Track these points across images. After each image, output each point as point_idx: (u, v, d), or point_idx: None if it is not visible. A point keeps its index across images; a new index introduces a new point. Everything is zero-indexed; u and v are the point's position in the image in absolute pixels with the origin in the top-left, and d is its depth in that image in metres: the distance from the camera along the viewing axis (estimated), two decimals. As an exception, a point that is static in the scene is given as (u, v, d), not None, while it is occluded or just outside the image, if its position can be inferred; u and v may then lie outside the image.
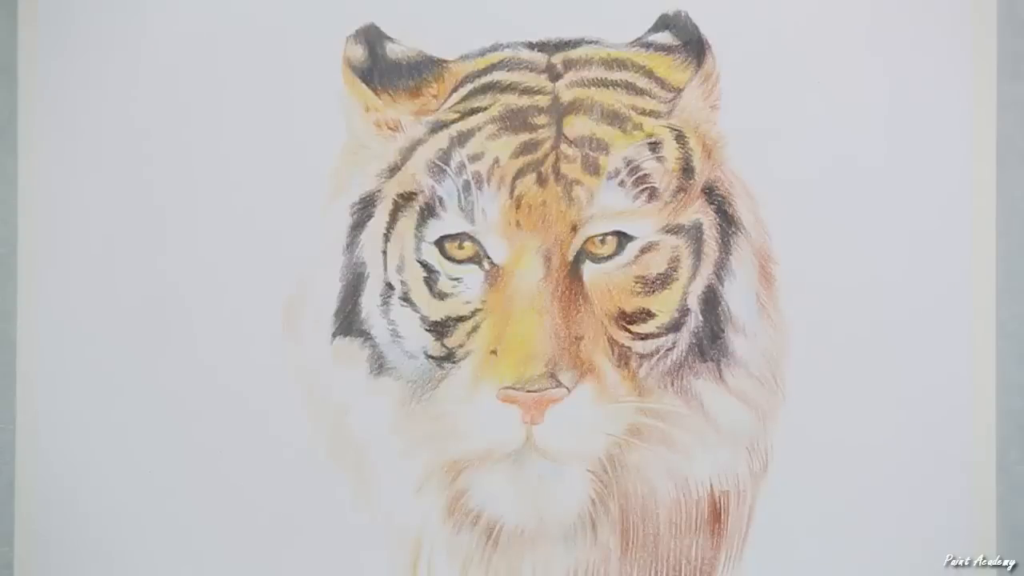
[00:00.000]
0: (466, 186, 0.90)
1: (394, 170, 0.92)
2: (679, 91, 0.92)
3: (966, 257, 0.91)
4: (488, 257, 0.90)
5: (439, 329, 0.91)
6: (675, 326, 0.91)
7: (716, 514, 0.91)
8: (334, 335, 0.93)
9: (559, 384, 0.88)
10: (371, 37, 0.94)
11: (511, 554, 0.91)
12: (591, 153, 0.90)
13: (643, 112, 0.92)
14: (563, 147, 0.91)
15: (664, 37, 0.93)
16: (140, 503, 0.94)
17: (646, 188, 0.90)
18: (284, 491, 0.93)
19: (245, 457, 0.93)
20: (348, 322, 0.93)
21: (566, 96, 0.92)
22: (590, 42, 0.93)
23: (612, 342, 0.90)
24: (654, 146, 0.91)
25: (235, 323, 0.94)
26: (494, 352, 0.89)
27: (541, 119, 0.91)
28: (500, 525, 0.91)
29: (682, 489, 0.91)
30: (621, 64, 0.92)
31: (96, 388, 0.94)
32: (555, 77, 0.92)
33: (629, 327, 0.90)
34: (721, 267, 0.92)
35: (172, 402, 0.94)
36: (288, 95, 0.94)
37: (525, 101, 0.92)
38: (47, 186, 0.95)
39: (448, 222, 0.91)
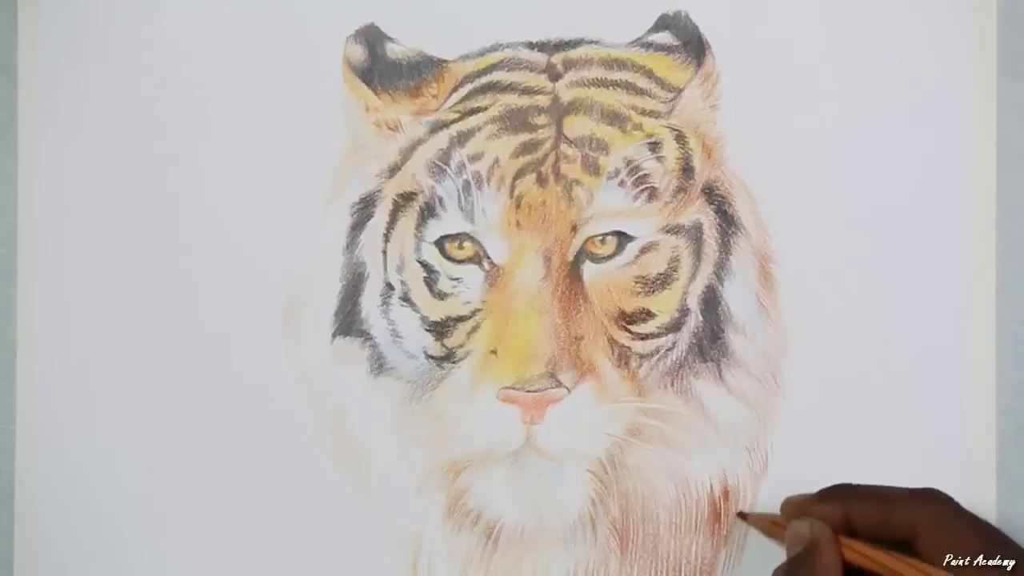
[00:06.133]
0: (466, 186, 0.90)
1: (394, 170, 0.92)
2: (679, 91, 0.92)
3: (966, 257, 0.91)
4: (488, 257, 0.90)
5: (439, 329, 0.91)
6: (675, 326, 0.91)
7: (716, 514, 0.91)
8: (334, 335, 0.93)
9: (559, 384, 0.88)
10: (371, 37, 0.94)
11: (511, 554, 0.91)
12: (591, 153, 0.90)
13: (643, 112, 0.92)
14: (563, 147, 0.91)
15: (664, 37, 0.93)
16: (140, 503, 0.94)
17: (646, 188, 0.90)
18: (284, 491, 0.93)
19: (245, 457, 0.93)
20: (348, 322, 0.93)
21: (566, 96, 0.92)
22: (590, 42, 0.93)
23: (612, 342, 0.90)
24: (654, 146, 0.91)
25: (235, 323, 0.94)
26: (494, 352, 0.89)
27: (541, 119, 0.91)
28: (500, 525, 0.91)
29: (682, 489, 0.91)
30: (621, 64, 0.92)
31: (96, 388, 0.94)
32: (555, 77, 0.92)
33: (629, 327, 0.90)
34: (721, 267, 0.92)
35: (172, 402, 0.94)
36: (288, 95, 0.94)
37: (525, 101, 0.92)
38: (47, 186, 0.95)
39: (448, 222, 0.91)
